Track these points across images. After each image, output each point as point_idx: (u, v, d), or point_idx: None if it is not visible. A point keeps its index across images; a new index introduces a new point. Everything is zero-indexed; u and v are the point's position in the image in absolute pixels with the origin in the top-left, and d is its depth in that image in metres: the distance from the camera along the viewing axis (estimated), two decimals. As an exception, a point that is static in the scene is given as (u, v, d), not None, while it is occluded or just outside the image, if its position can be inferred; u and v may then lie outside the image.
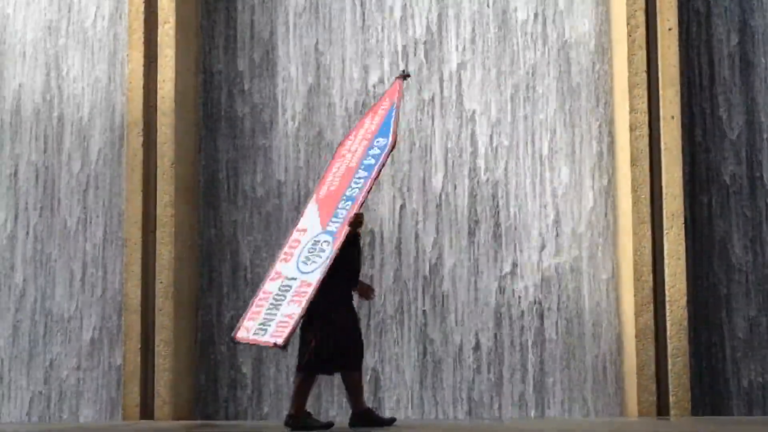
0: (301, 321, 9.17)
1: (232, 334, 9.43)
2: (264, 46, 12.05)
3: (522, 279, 11.64)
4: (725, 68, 11.80)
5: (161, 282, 11.25)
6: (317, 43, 12.02)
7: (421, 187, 11.73)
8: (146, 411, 11.20)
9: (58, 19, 12.18)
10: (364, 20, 12.03)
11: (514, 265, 11.65)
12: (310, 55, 12.01)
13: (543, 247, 11.67)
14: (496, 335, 11.60)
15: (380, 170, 9.60)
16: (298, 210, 11.80)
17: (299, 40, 12.04)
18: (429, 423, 10.45)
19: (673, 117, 11.24)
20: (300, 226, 9.62)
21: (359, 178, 9.60)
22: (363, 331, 11.70)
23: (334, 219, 9.46)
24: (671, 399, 10.98)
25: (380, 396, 11.56)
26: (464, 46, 11.94)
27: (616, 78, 11.66)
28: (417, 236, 11.61)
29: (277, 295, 9.30)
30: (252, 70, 12.01)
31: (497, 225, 11.69)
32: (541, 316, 11.61)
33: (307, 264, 9.34)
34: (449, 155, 11.73)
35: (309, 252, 9.40)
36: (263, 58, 12.03)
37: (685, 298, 11.07)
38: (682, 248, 11.12)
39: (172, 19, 11.53)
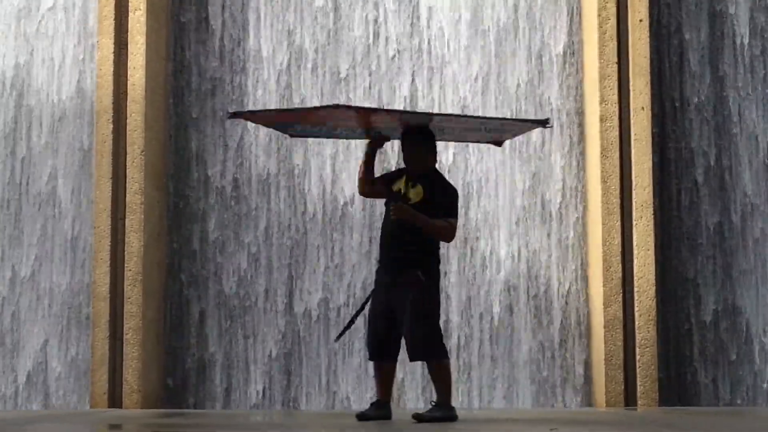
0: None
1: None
2: (236, 33, 12.01)
3: (491, 269, 11.66)
4: (695, 60, 11.84)
5: (130, 270, 11.21)
6: (290, 27, 12.00)
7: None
8: (114, 399, 11.16)
9: (27, 3, 12.10)
10: (335, 9, 12.01)
11: (484, 255, 11.67)
12: (283, 40, 11.99)
13: (512, 237, 11.68)
14: (464, 325, 11.61)
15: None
16: (269, 198, 11.78)
17: (271, 26, 12.01)
18: (399, 413, 10.42)
19: (643, 108, 11.28)
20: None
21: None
22: (328, 322, 11.74)
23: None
24: (639, 389, 11.03)
25: (349, 387, 11.56)
26: (436, 39, 11.95)
27: (587, 69, 11.69)
28: (387, 225, 11.59)
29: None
30: (223, 58, 11.98)
31: (467, 215, 11.70)
32: (510, 306, 11.63)
33: None
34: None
35: None
36: (235, 46, 12.00)
37: (653, 289, 11.11)
38: (651, 239, 11.16)
39: (143, 6, 11.47)
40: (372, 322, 8.98)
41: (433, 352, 8.85)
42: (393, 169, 10.72)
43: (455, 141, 10.58)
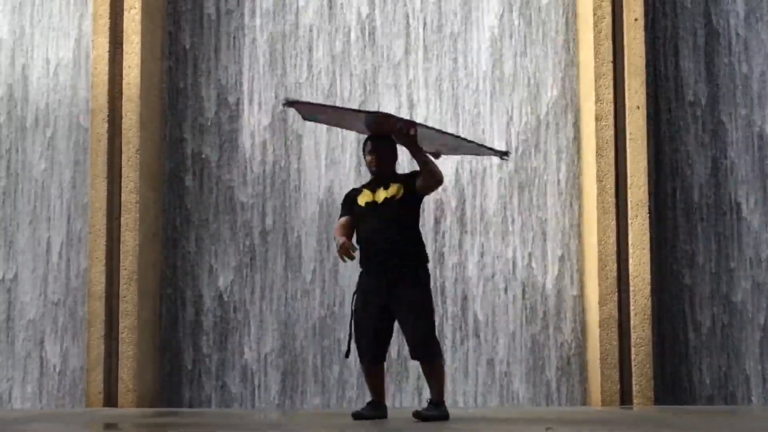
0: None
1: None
2: (231, 33, 12.01)
3: (486, 268, 11.66)
4: (690, 59, 11.86)
5: (125, 269, 11.21)
6: (284, 27, 12.00)
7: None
8: (110, 398, 11.16)
9: (22, 2, 12.09)
10: (330, 7, 12.01)
11: (479, 254, 11.67)
12: (277, 41, 11.99)
13: (507, 236, 11.69)
14: (459, 324, 11.62)
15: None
16: (264, 197, 11.79)
17: (266, 27, 12.01)
18: (394, 413, 10.43)
19: (638, 107, 11.29)
20: None
21: None
22: (322, 321, 11.73)
23: None
24: (634, 388, 11.05)
25: (342, 387, 11.56)
26: (428, 37, 11.95)
27: (582, 68, 11.70)
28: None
29: None
30: (218, 57, 11.98)
31: (462, 214, 11.71)
32: (506, 305, 11.64)
33: None
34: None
35: None
36: (230, 45, 11.99)
37: (649, 288, 11.13)
38: (646, 238, 11.18)
39: (138, 5, 11.47)
40: (364, 325, 8.95)
41: (433, 351, 8.90)
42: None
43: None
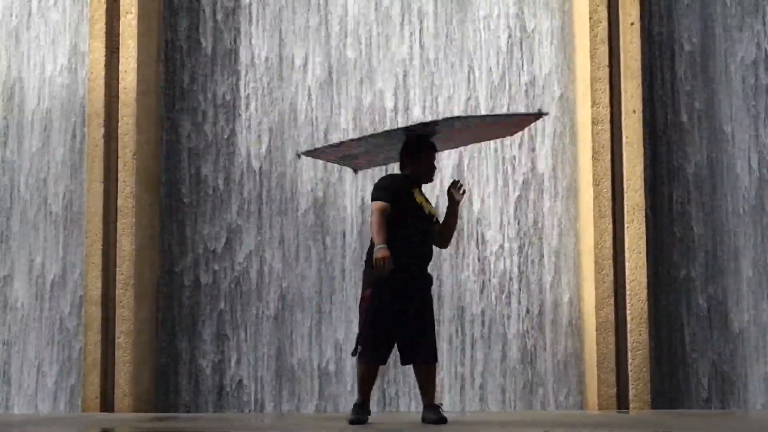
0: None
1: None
2: (227, 37, 12.00)
3: (483, 273, 11.66)
4: (686, 63, 11.86)
5: (122, 273, 11.20)
6: (281, 34, 12.00)
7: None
8: (106, 403, 11.15)
9: (19, 7, 12.09)
10: (327, 12, 12.03)
11: (476, 258, 11.67)
12: (274, 45, 11.99)
13: (504, 240, 11.69)
14: (457, 328, 11.62)
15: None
16: (260, 202, 11.78)
17: (262, 30, 12.01)
18: (391, 417, 10.45)
19: (634, 111, 11.30)
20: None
21: None
22: (319, 324, 11.73)
23: None
24: (631, 392, 11.05)
25: (341, 390, 11.56)
26: (423, 41, 11.96)
27: (579, 72, 11.70)
28: (379, 228, 11.57)
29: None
30: (214, 61, 11.97)
31: (459, 218, 11.70)
32: (502, 309, 11.63)
33: None
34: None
35: None
36: (226, 49, 11.99)
37: (645, 292, 11.13)
38: (642, 242, 11.18)
39: (134, 10, 11.48)
40: (385, 328, 8.91)
41: (436, 355, 9.09)
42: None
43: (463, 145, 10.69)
